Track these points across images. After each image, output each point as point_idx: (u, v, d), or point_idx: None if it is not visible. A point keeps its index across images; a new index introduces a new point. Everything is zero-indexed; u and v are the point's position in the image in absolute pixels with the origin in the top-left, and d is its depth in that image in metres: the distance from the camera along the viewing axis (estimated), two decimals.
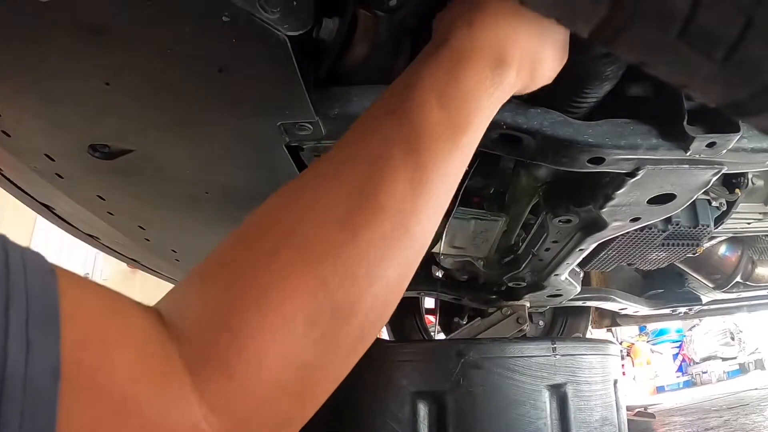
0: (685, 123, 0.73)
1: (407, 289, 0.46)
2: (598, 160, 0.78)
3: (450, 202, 0.46)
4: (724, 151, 0.76)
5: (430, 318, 2.62)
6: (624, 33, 0.39)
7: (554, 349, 1.12)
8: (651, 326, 6.04)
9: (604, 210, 0.93)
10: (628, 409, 1.88)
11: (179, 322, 0.37)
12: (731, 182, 1.12)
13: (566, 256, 1.18)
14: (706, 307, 2.06)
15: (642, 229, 1.08)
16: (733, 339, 5.59)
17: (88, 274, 6.73)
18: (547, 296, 1.54)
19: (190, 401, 0.33)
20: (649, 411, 3.15)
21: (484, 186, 1.15)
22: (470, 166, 0.95)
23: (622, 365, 3.30)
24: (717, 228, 1.17)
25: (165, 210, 1.22)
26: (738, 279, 1.76)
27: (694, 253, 1.24)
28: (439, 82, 0.46)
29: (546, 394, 1.08)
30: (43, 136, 0.90)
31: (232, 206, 1.17)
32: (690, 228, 1.12)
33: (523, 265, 1.30)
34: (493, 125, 0.78)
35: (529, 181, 1.01)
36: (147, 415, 0.31)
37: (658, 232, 1.12)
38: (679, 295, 1.95)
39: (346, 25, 0.73)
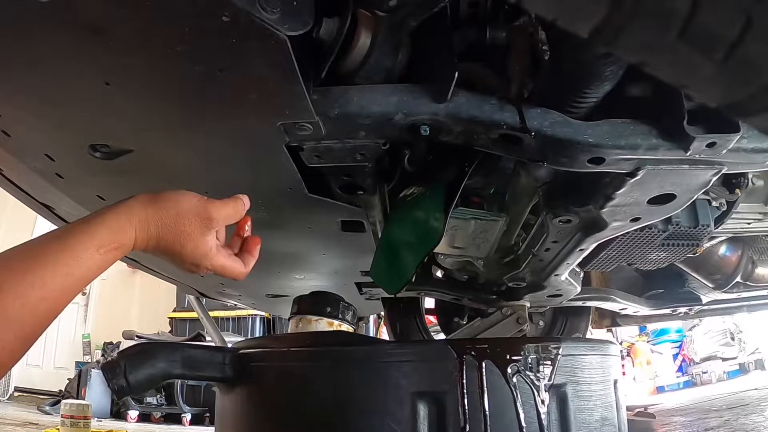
0: (685, 123, 0.73)
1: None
2: (598, 160, 0.78)
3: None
4: (724, 151, 0.76)
5: (431, 318, 2.62)
6: (624, 33, 0.39)
7: None
8: (651, 326, 6.03)
9: (604, 210, 0.93)
10: (628, 409, 1.88)
11: None
12: (731, 182, 1.12)
13: (566, 256, 1.18)
14: (706, 307, 2.05)
15: (642, 229, 1.08)
16: (733, 339, 5.58)
17: None
18: (547, 296, 1.53)
19: None
20: (649, 411, 3.15)
21: (484, 186, 1.15)
22: (470, 166, 0.95)
23: (622, 365, 3.30)
24: (717, 228, 1.17)
25: None
26: (738, 279, 1.76)
27: (694, 253, 1.24)
28: None
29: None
30: (43, 136, 0.90)
31: None
32: (690, 228, 1.12)
33: (523, 265, 1.30)
34: (493, 125, 0.78)
35: (529, 181, 1.01)
36: None
37: (658, 232, 1.12)
38: (679, 295, 1.95)
39: (346, 25, 0.73)
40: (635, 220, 0.97)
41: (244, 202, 0.75)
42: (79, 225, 0.63)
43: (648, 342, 6.20)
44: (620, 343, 5.68)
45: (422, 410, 1.06)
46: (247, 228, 0.79)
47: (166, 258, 0.70)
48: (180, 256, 0.69)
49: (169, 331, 5.45)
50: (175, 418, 4.62)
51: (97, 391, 4.75)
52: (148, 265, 1.70)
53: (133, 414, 4.62)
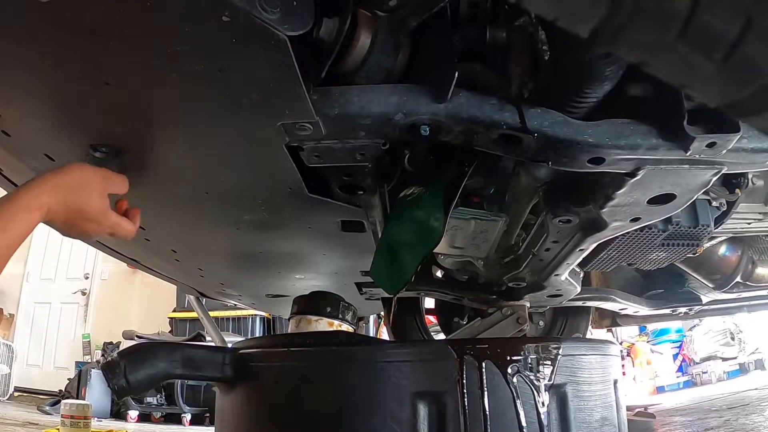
0: (685, 123, 0.73)
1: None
2: (598, 160, 0.78)
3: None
4: (724, 151, 0.76)
5: (430, 318, 2.62)
6: (624, 33, 0.39)
7: None
8: (651, 326, 6.02)
9: (604, 210, 0.93)
10: (628, 409, 1.88)
11: None
12: (731, 182, 1.12)
13: (566, 257, 1.18)
14: (706, 307, 2.05)
15: (642, 229, 1.08)
16: (733, 339, 5.58)
17: (88, 274, 6.74)
18: (547, 296, 1.53)
19: None
20: (649, 411, 3.15)
21: (484, 186, 1.15)
22: (470, 166, 0.95)
23: (622, 365, 3.30)
24: (717, 228, 1.17)
25: (165, 210, 1.22)
26: (738, 279, 1.76)
27: (694, 253, 1.24)
28: None
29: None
30: (43, 136, 0.90)
31: (232, 206, 1.17)
32: (690, 228, 1.12)
33: (523, 266, 1.30)
34: (493, 125, 0.78)
35: (529, 181, 1.01)
36: None
37: (658, 232, 1.12)
38: (679, 295, 1.95)
39: (346, 25, 0.73)
40: (635, 220, 0.97)
41: (127, 179, 0.93)
42: (9, 195, 0.79)
43: (648, 342, 6.20)
44: (620, 343, 5.68)
45: (422, 410, 1.06)
46: (126, 206, 0.96)
47: (74, 218, 0.84)
48: (86, 213, 0.84)
49: (169, 331, 5.45)
50: (175, 418, 4.62)
51: (97, 391, 4.75)
52: (148, 265, 1.70)
53: (133, 414, 4.62)
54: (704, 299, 1.94)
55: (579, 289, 1.50)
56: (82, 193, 0.82)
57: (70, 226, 0.85)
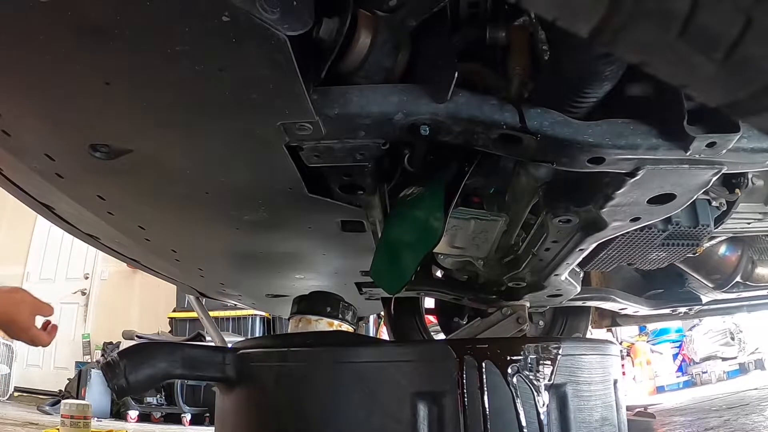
0: (685, 123, 0.73)
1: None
2: (598, 160, 0.78)
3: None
4: (724, 151, 0.76)
5: (430, 318, 2.62)
6: (624, 33, 0.39)
7: None
8: (651, 326, 6.03)
9: (604, 210, 0.93)
10: (628, 409, 1.88)
11: None
12: (731, 182, 1.12)
13: (566, 256, 1.17)
14: (706, 307, 2.05)
15: (642, 229, 1.08)
16: (733, 339, 5.58)
17: (88, 274, 6.73)
18: (547, 296, 1.53)
19: None
20: (649, 411, 3.15)
21: (484, 186, 1.15)
22: (470, 166, 0.95)
23: (622, 365, 3.29)
24: (717, 228, 1.17)
25: (165, 210, 1.22)
26: (738, 279, 1.76)
27: (694, 253, 1.24)
28: None
29: None
30: (43, 136, 0.90)
31: (232, 206, 1.17)
32: (690, 228, 1.12)
33: (523, 265, 1.30)
34: (493, 125, 0.78)
35: (529, 181, 1.01)
36: None
37: (658, 232, 1.12)
38: (679, 295, 1.95)
39: (346, 25, 0.73)
40: (635, 220, 0.97)
41: (52, 307, 1.28)
42: None
43: (648, 342, 6.20)
44: (620, 343, 5.68)
45: (422, 410, 1.06)
46: (50, 325, 1.27)
47: (8, 324, 1.15)
48: (16, 323, 1.16)
49: (169, 331, 5.45)
50: (175, 418, 4.62)
51: (97, 391, 4.75)
52: (148, 265, 1.70)
53: (133, 414, 4.62)
54: (704, 299, 1.94)
55: (579, 289, 1.50)
56: (16, 310, 1.15)
57: (5, 327, 1.15)
